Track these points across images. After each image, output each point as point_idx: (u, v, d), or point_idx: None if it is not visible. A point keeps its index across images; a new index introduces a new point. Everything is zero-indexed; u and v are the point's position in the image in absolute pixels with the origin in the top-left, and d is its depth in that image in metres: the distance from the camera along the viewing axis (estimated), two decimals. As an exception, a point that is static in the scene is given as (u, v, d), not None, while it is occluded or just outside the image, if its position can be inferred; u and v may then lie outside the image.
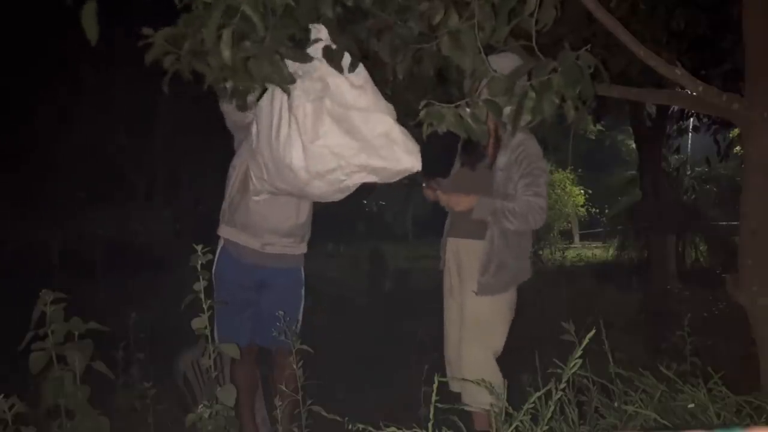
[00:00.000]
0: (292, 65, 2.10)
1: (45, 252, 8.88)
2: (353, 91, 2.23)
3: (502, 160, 2.53)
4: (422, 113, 1.92)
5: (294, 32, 1.92)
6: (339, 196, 2.46)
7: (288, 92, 2.14)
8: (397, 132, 2.27)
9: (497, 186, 2.53)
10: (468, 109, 1.84)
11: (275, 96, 2.32)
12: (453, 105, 1.84)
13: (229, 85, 1.98)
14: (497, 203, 2.47)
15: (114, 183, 10.25)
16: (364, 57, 2.22)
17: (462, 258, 2.61)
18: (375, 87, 2.29)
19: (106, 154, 9.77)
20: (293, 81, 2.08)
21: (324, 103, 2.25)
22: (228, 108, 2.62)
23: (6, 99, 8.14)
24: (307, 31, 2.03)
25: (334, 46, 2.07)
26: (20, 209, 8.84)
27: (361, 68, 2.21)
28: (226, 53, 1.71)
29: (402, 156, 2.27)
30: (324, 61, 2.14)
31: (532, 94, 1.73)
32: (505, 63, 2.18)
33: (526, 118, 1.75)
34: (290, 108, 2.27)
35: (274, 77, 1.91)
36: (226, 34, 1.69)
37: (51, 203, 9.06)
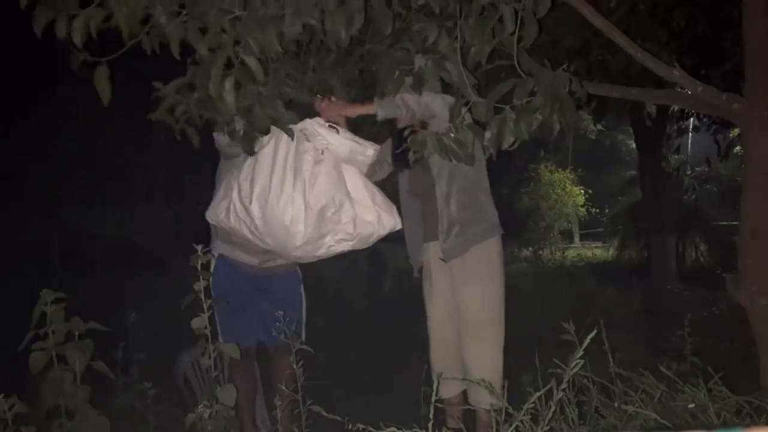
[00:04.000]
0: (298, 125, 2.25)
1: (45, 252, 8.88)
2: (337, 137, 2.32)
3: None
4: (408, 141, 1.97)
5: (293, 72, 2.00)
6: (314, 259, 2.48)
7: (291, 135, 2.17)
8: (378, 196, 2.43)
9: (437, 173, 2.50)
10: (452, 134, 1.88)
11: (278, 150, 2.34)
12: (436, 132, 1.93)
13: (239, 126, 2.03)
14: (397, 98, 2.30)
15: (114, 183, 10.24)
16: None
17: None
18: (354, 137, 2.38)
19: (106, 155, 9.77)
20: (294, 122, 2.10)
21: (324, 164, 2.32)
22: (220, 139, 2.57)
23: (6, 99, 8.13)
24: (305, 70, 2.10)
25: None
26: (20, 209, 8.83)
27: (350, 134, 2.36)
28: (230, 99, 1.79)
29: (385, 219, 2.42)
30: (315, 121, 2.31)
31: (512, 116, 1.76)
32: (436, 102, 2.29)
33: (509, 140, 1.79)
34: (295, 169, 2.30)
35: (278, 120, 1.98)
36: (228, 82, 1.77)
37: (51, 203, 9.05)
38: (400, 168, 2.66)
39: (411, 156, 2.21)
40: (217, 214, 2.42)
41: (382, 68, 2.10)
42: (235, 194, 2.38)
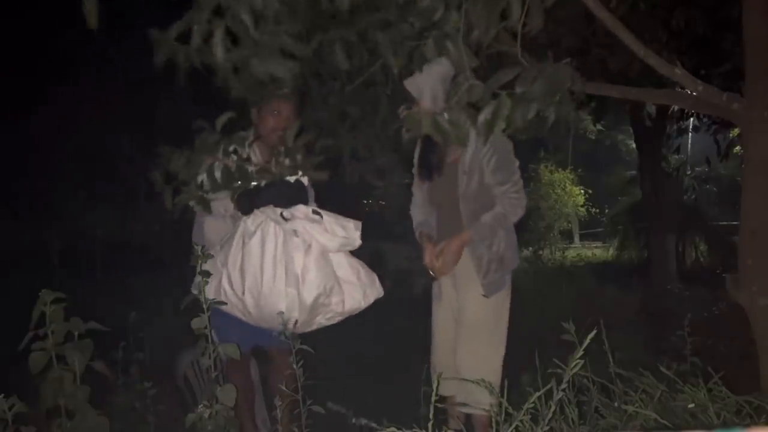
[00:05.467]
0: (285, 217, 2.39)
1: (45, 252, 8.87)
2: (326, 235, 2.43)
3: (465, 161, 2.51)
4: (401, 119, 1.93)
5: (290, 28, 1.88)
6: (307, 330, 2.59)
7: (288, 85, 2.08)
8: (362, 271, 2.57)
9: (463, 190, 2.53)
10: (446, 115, 1.85)
11: (266, 242, 2.41)
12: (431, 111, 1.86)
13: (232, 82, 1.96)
14: (486, 222, 2.49)
15: (114, 183, 10.24)
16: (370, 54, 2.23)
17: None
18: (337, 221, 2.48)
19: (107, 154, 9.77)
20: (296, 69, 2.00)
21: (313, 254, 2.41)
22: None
23: (6, 99, 8.14)
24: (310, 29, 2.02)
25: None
26: (20, 209, 8.84)
27: (332, 217, 2.46)
28: (220, 52, 1.70)
29: (369, 293, 2.56)
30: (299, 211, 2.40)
31: (508, 102, 1.73)
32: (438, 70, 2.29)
33: (500, 125, 1.75)
34: (286, 265, 2.39)
35: (278, 70, 1.82)
36: (218, 34, 1.68)
37: (51, 203, 9.05)
38: (423, 178, 2.69)
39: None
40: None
41: (385, 40, 2.05)
42: (224, 280, 2.45)
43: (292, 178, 2.52)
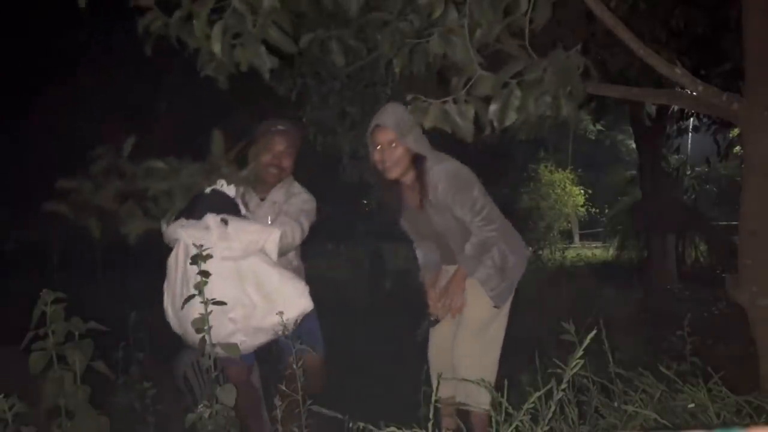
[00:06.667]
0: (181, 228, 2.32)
1: (45, 252, 8.87)
2: (220, 244, 2.28)
3: (432, 200, 2.48)
4: (408, 108, 1.92)
5: (278, 19, 1.88)
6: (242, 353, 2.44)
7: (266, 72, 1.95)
8: (283, 280, 2.35)
9: (442, 227, 2.53)
10: (455, 106, 1.83)
11: (179, 258, 2.35)
12: (439, 101, 1.83)
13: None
14: (468, 254, 2.48)
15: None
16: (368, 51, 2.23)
17: None
18: (244, 227, 2.36)
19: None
20: (275, 65, 1.91)
21: (213, 265, 2.22)
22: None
23: (6, 98, 8.14)
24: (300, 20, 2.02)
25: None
26: (20, 209, 8.83)
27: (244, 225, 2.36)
28: (218, 47, 1.71)
29: (293, 302, 2.34)
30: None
31: (518, 93, 1.73)
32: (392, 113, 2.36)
33: (512, 116, 1.74)
34: (187, 275, 2.29)
35: (258, 61, 1.81)
36: (217, 28, 1.69)
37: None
38: (395, 220, 2.71)
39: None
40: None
41: (385, 39, 2.05)
42: (165, 299, 2.45)
43: (209, 189, 2.43)
